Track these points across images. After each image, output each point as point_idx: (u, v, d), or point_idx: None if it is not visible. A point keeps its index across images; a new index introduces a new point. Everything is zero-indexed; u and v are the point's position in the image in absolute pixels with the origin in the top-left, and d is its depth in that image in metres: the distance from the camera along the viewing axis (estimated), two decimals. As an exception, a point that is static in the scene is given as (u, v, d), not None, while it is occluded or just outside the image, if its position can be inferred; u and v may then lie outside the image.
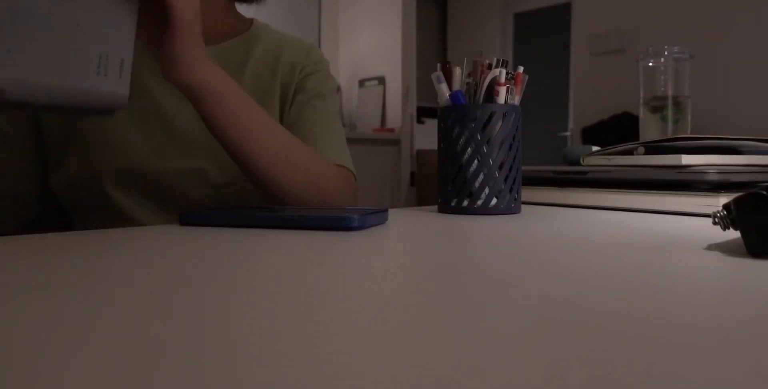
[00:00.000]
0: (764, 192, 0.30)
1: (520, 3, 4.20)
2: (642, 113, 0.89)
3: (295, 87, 0.80)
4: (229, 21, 0.82)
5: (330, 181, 0.68)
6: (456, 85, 0.58)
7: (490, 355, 0.15)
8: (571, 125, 3.83)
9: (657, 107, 0.87)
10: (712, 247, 0.34)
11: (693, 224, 0.45)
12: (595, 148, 0.71)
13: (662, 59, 0.87)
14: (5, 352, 0.15)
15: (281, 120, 0.79)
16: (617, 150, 0.63)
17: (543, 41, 4.16)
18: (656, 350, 0.15)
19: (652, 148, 0.59)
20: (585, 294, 0.22)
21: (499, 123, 0.54)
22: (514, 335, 0.17)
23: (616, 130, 3.08)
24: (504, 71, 0.56)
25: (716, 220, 0.32)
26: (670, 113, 0.86)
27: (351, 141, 0.87)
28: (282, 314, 0.19)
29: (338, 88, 0.88)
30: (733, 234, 0.38)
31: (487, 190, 0.54)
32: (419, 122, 3.68)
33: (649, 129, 0.88)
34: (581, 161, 0.66)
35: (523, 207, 0.63)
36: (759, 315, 0.19)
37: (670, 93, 0.86)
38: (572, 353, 0.15)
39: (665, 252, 0.32)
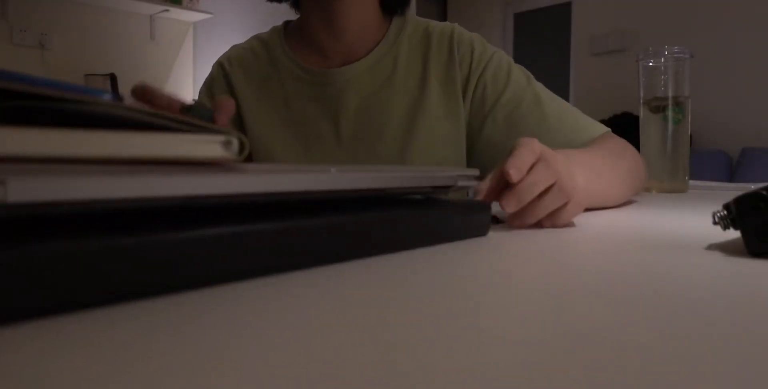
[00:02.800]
0: (764, 192, 0.29)
1: (520, 3, 4.20)
2: (642, 112, 0.89)
3: (465, 73, 0.79)
4: (377, 29, 0.84)
5: (642, 170, 0.73)
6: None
7: (487, 352, 0.15)
8: (570, 124, 3.83)
9: (658, 107, 0.87)
10: (712, 247, 0.34)
11: (693, 224, 0.45)
12: None
13: (662, 59, 0.87)
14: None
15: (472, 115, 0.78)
16: None
17: (543, 41, 4.16)
18: (656, 350, 0.15)
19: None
20: (583, 294, 0.22)
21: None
22: (508, 333, 0.16)
23: (616, 130, 3.07)
24: None
25: (716, 220, 0.32)
26: (670, 114, 0.86)
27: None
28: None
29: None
30: (734, 234, 0.38)
31: None
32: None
33: (650, 129, 0.88)
34: None
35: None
36: (759, 315, 0.19)
37: (670, 93, 0.86)
38: (571, 353, 0.15)
39: (665, 252, 0.32)
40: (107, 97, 0.24)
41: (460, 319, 0.18)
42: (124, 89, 2.68)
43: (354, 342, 0.16)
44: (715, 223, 0.32)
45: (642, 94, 0.88)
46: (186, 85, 3.12)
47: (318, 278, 0.23)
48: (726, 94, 3.04)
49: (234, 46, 0.87)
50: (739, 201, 0.30)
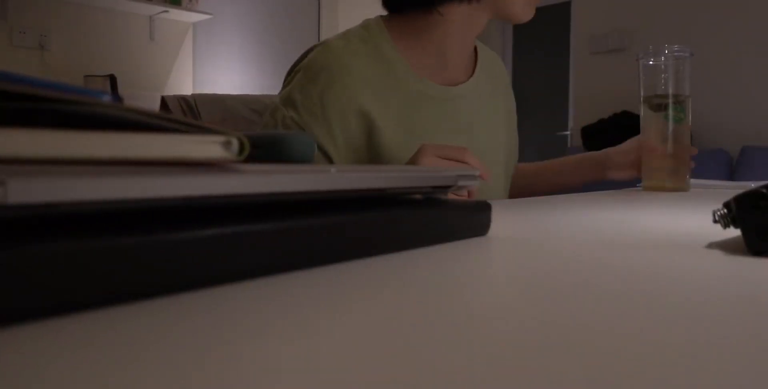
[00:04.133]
0: (765, 190, 0.29)
1: (519, 2, 4.20)
2: (643, 111, 0.88)
3: (511, 103, 0.97)
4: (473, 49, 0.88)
5: None
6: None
7: (481, 356, 0.15)
8: (570, 124, 3.83)
9: (659, 106, 0.86)
10: (712, 245, 0.34)
11: (693, 223, 0.45)
12: None
13: (662, 58, 0.87)
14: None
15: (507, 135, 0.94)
16: None
17: (542, 40, 4.16)
18: (656, 348, 0.15)
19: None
20: (583, 292, 0.22)
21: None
22: (508, 333, 0.16)
23: (616, 129, 3.08)
24: None
25: (716, 218, 0.32)
26: (671, 113, 0.85)
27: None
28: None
29: None
30: (734, 232, 0.38)
31: None
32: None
33: (651, 128, 0.87)
34: None
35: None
36: (759, 314, 0.19)
37: (671, 92, 0.86)
38: (571, 352, 0.15)
39: (665, 250, 0.32)
40: (107, 98, 0.24)
41: (460, 319, 0.18)
42: (124, 90, 2.68)
43: (354, 341, 0.16)
44: (715, 221, 0.32)
45: (642, 93, 0.88)
46: (186, 86, 3.12)
47: (318, 278, 0.23)
48: (726, 93, 3.03)
49: (333, 48, 0.73)
50: (740, 199, 0.30)
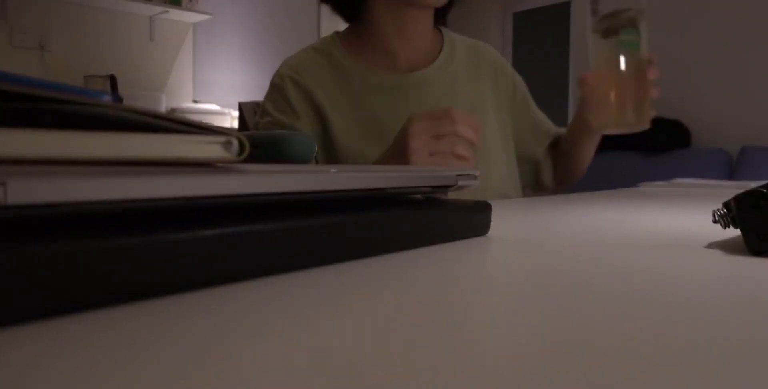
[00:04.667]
0: (765, 190, 0.29)
1: (519, 2, 4.20)
2: (591, 44, 0.70)
3: (510, 88, 0.96)
4: (433, 40, 0.92)
5: None
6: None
7: (481, 357, 0.15)
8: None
9: (608, 30, 0.68)
10: (712, 245, 0.34)
11: (693, 222, 0.45)
12: None
13: None
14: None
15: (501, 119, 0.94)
16: None
17: (542, 40, 4.16)
18: (656, 348, 0.15)
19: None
20: (583, 292, 0.22)
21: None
22: (508, 333, 0.16)
23: (616, 129, 3.07)
24: None
25: (716, 218, 0.32)
26: (620, 36, 0.67)
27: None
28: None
29: None
30: (734, 232, 0.38)
31: None
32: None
33: (599, 59, 0.70)
34: None
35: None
36: (759, 314, 0.19)
37: (618, 7, 0.68)
38: (570, 352, 0.15)
39: (665, 250, 0.32)
40: (107, 98, 0.24)
41: (460, 319, 0.18)
42: (124, 90, 2.69)
43: (354, 341, 0.16)
44: (715, 221, 0.32)
45: (589, 21, 0.71)
46: (186, 86, 3.12)
47: (318, 278, 0.23)
48: (726, 93, 3.03)
49: (288, 60, 0.87)
50: (740, 199, 0.30)
